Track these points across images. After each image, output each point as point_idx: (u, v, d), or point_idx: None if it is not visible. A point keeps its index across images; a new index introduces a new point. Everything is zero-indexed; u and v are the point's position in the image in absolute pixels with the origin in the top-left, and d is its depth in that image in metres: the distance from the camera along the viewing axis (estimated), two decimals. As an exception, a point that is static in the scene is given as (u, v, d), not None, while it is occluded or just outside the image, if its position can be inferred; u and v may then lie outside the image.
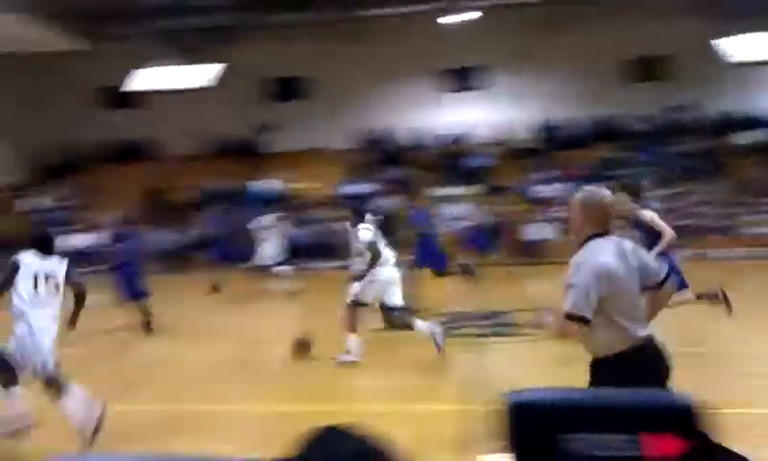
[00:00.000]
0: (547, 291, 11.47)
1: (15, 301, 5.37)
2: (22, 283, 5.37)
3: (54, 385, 5.37)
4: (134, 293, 10.55)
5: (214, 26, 19.43)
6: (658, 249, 6.93)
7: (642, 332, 3.48)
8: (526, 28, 21.44)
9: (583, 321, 3.40)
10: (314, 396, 6.88)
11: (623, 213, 6.72)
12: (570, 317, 3.40)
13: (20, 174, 23.98)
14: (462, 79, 24.39)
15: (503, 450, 2.75)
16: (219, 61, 19.43)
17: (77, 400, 5.32)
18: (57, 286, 5.50)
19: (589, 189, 3.65)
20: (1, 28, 18.54)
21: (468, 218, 19.01)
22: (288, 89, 24.66)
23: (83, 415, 5.23)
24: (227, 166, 22.87)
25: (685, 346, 6.66)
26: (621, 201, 6.77)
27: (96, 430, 5.22)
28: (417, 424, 5.75)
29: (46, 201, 21.96)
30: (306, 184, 21.55)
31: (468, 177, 21.14)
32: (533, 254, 17.60)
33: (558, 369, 7.28)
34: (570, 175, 19.65)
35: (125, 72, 19.98)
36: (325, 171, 22.14)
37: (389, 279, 8.05)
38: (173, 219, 20.41)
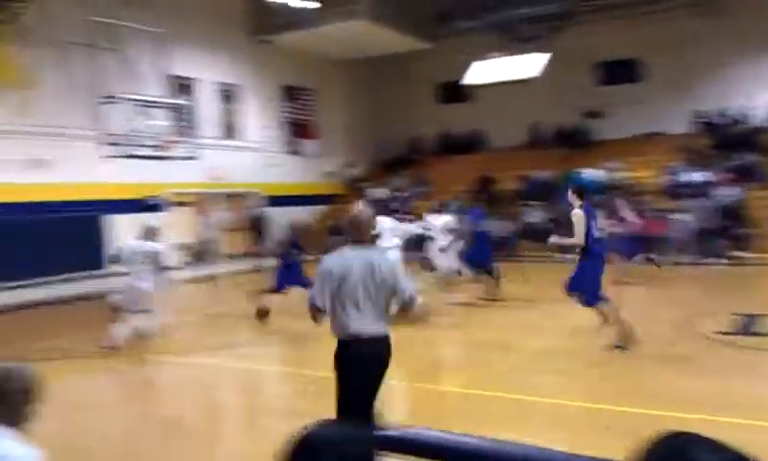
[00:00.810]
0: None
1: None
2: None
3: None
4: (482, 267, 11.98)
5: (546, 14, 19.35)
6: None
7: (366, 329, 4.07)
8: None
9: (316, 309, 4.16)
10: (641, 396, 6.35)
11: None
12: (310, 305, 4.22)
13: (366, 167, 26.47)
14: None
15: None
16: (547, 50, 19.34)
17: None
18: None
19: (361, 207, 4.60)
20: (355, 36, 20.91)
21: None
22: (619, 73, 23.40)
23: None
24: (553, 156, 22.64)
25: None
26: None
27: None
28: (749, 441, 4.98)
29: (384, 191, 23.84)
30: (636, 172, 20.34)
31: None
32: None
33: None
34: None
35: (460, 68, 20.93)
36: (657, 158, 20.69)
37: None
38: (500, 209, 20.74)
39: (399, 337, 4.45)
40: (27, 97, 15.84)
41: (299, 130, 23.98)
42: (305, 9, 19.86)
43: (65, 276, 14.77)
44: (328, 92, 25.13)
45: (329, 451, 1.30)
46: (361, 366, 4.12)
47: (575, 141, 23.34)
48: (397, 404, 6.36)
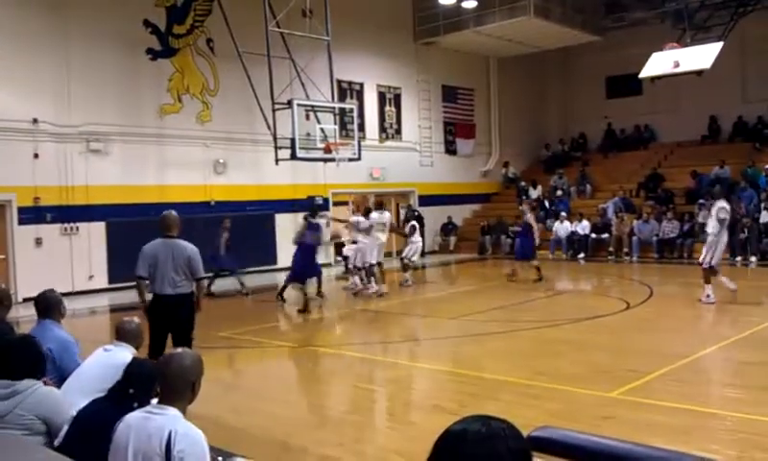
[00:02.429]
0: None
1: None
2: None
3: None
4: None
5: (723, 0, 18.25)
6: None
7: (166, 291, 6.54)
8: None
9: (142, 278, 6.61)
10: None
11: None
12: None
13: (525, 165, 26.14)
14: None
15: None
16: (718, 40, 18.13)
17: None
18: None
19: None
20: (520, 32, 20.80)
21: None
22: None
23: None
24: (727, 150, 21.24)
25: None
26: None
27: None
28: None
29: (545, 190, 23.44)
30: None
31: None
32: None
33: None
34: None
35: (630, 60, 20.15)
36: None
37: None
38: (671, 207, 19.76)
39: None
40: (209, 105, 17.26)
41: (457, 129, 24.16)
42: (470, 8, 20.00)
43: (246, 269, 15.74)
44: (488, 91, 25.09)
45: (480, 446, 1.31)
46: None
47: (757, 135, 21.71)
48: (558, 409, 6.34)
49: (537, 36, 21.40)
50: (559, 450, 3.49)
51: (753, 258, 17.34)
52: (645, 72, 18.64)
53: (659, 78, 18.74)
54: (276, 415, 6.81)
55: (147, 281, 6.62)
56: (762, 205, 18.16)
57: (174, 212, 6.87)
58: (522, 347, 9.23)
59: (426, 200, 22.21)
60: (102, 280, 15.44)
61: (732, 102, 22.03)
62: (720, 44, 17.53)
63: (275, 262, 17.82)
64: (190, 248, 6.67)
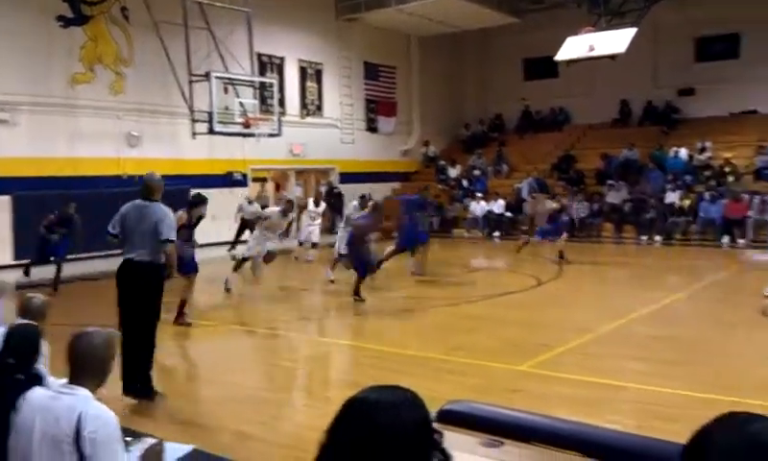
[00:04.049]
0: None
1: None
2: None
3: None
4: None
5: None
6: None
7: (129, 255, 6.22)
8: None
9: (111, 235, 6.33)
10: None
11: None
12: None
13: (444, 144, 26.45)
14: None
15: None
16: (632, 26, 18.75)
17: None
18: None
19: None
20: (441, 11, 20.86)
21: None
22: (716, 48, 22.35)
23: None
24: (637, 134, 22.10)
25: None
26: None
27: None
28: None
29: (463, 170, 23.81)
30: (722, 153, 19.65)
31: None
32: None
33: None
34: None
35: (547, 43, 20.56)
36: (751, 138, 19.90)
37: None
38: (582, 188, 20.44)
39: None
40: (123, 75, 16.67)
41: (378, 107, 24.19)
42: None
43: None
44: (410, 69, 25.20)
45: (385, 414, 1.33)
46: None
47: (665, 119, 22.66)
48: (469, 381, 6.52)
49: (457, 16, 21.57)
50: (468, 423, 3.60)
51: (657, 237, 18.21)
52: (561, 55, 19.12)
53: (574, 61, 19.28)
54: (193, 394, 6.74)
55: (116, 240, 6.29)
56: (668, 186, 19.03)
57: (155, 175, 6.51)
58: (439, 323, 9.42)
59: (347, 177, 22.19)
60: (6, 257, 14.76)
61: (644, 87, 22.86)
62: (634, 30, 18.13)
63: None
64: (161, 211, 6.24)
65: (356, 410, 1.36)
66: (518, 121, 26.06)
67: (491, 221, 20.76)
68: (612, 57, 18.34)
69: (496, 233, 20.46)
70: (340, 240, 12.17)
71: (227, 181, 18.24)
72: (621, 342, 8.15)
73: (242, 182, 18.61)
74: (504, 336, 8.51)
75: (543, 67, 23.99)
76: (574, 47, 18.88)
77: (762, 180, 18.37)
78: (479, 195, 21.36)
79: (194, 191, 10.92)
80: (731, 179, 18.62)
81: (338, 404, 1.40)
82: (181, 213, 8.98)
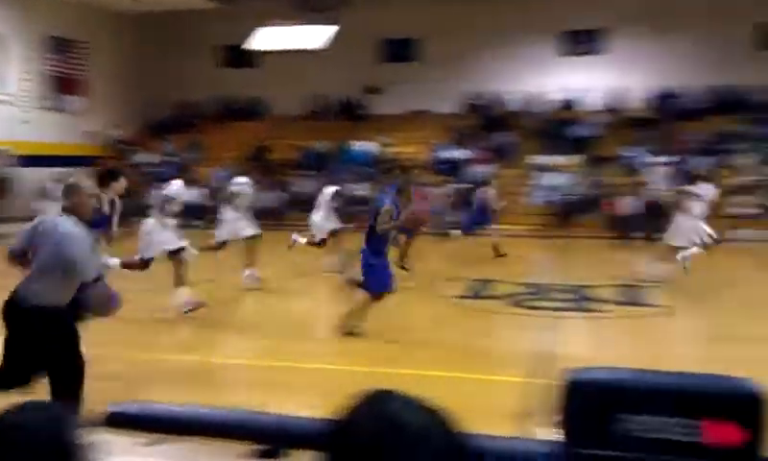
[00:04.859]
0: (636, 266, 11.19)
1: None
2: None
3: None
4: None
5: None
6: None
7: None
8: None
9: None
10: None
11: None
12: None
13: (133, 128, 25.21)
14: (579, 42, 23.27)
15: (558, 426, 2.75)
16: (333, 23, 19.59)
17: None
18: None
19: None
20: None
21: (565, 189, 18.61)
22: (398, 51, 24.48)
23: None
24: (331, 127, 23.26)
25: None
26: None
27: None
28: (475, 393, 5.77)
29: (154, 156, 22.98)
30: (403, 148, 21.61)
31: (573, 145, 20.52)
32: (628, 227, 16.88)
33: (632, 347, 7.13)
34: (678, 148, 18.82)
35: (246, 32, 20.56)
36: (426, 135, 22.13)
37: None
38: (274, 178, 20.96)
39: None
40: None
41: (63, 84, 22.26)
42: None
43: None
44: (100, 47, 23.48)
45: (20, 435, 1.26)
46: None
47: (354, 114, 24.20)
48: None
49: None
50: (137, 424, 3.60)
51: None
52: (258, 45, 19.40)
53: (272, 53, 19.67)
54: None
55: None
56: (355, 178, 20.34)
57: None
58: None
59: (25, 160, 20.08)
60: None
61: (338, 83, 23.98)
62: (331, 28, 18.96)
63: None
64: None
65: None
66: (216, 109, 25.80)
67: (187, 209, 20.27)
68: (310, 51, 18.97)
69: (198, 222, 20.07)
70: None
71: None
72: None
73: None
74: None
75: (242, 56, 24.04)
76: (271, 38, 19.28)
77: (440, 174, 20.45)
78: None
79: None
80: (412, 172, 20.48)
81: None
82: None
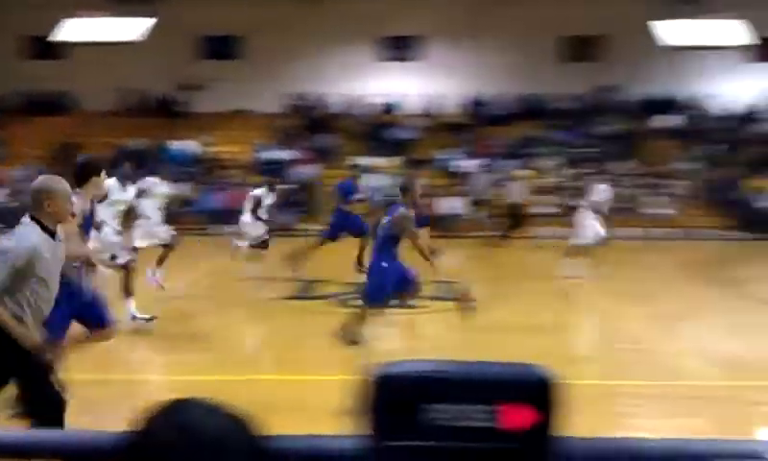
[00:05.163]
0: (453, 264, 11.78)
1: None
2: None
3: None
4: None
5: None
6: None
7: None
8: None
9: None
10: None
11: None
12: None
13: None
14: (397, 48, 24.13)
15: (368, 420, 2.84)
16: (149, 16, 18.78)
17: None
18: None
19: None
20: None
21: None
22: (219, 48, 23.95)
23: None
24: (147, 125, 22.25)
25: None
26: None
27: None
28: (286, 392, 5.85)
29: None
30: (224, 147, 21.19)
31: (393, 148, 21.18)
32: (445, 227, 17.69)
33: (453, 341, 7.50)
34: (489, 151, 20.04)
35: (53, 21, 19.11)
36: (249, 135, 21.82)
37: None
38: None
39: None
40: None
41: None
42: None
43: None
44: None
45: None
46: None
47: (172, 112, 23.31)
48: None
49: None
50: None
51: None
52: (67, 35, 18.17)
53: (83, 44, 18.49)
54: None
55: None
56: (174, 177, 19.64)
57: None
58: None
59: None
60: None
61: (156, 78, 22.98)
62: (149, 20, 18.11)
63: None
64: None
65: None
66: (19, 103, 23.79)
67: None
68: (123, 44, 18.06)
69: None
70: None
71: None
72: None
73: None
74: None
75: (48, 48, 22.43)
76: (81, 29, 18.12)
77: (262, 174, 20.22)
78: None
79: None
80: (233, 171, 20.15)
81: None
82: None
